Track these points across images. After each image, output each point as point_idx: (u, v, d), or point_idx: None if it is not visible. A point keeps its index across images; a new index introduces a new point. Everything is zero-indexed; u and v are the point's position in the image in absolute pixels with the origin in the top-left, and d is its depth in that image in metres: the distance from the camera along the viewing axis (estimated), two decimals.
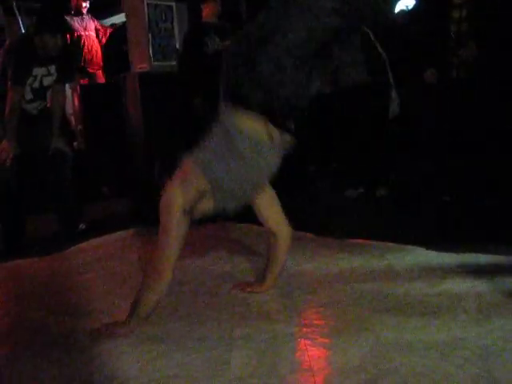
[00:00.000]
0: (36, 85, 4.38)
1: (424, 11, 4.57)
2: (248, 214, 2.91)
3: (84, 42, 6.70)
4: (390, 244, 3.66)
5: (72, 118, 6.61)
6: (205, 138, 2.60)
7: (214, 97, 5.16)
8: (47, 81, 4.43)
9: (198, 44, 5.28)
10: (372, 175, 4.89)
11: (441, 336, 2.29)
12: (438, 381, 1.94)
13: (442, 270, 3.12)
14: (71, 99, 6.67)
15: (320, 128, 5.51)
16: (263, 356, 2.23)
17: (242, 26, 5.30)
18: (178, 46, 5.83)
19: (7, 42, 4.65)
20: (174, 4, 5.22)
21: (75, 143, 6.37)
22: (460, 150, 4.25)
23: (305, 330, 2.48)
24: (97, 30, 6.85)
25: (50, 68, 4.40)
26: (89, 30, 6.78)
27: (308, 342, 2.35)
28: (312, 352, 2.26)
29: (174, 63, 5.18)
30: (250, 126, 2.52)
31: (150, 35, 5.03)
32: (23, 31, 6.11)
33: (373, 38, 4.73)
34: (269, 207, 2.92)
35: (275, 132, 2.60)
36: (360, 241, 3.83)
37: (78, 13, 6.68)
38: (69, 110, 6.59)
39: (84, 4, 6.72)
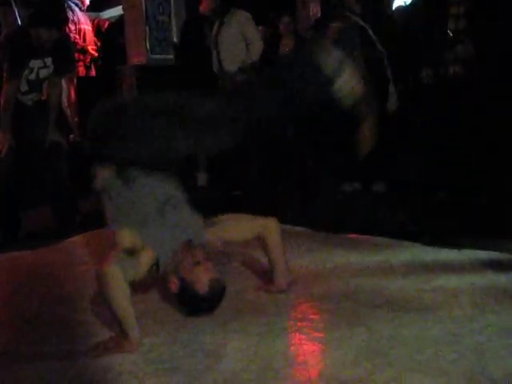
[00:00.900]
0: (32, 77, 4.36)
1: (422, 7, 4.56)
2: (247, 210, 2.91)
3: (85, 35, 6.69)
4: (386, 239, 3.66)
5: (68, 111, 6.58)
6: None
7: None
8: (43, 73, 4.41)
9: (198, 37, 5.27)
10: (369, 170, 4.88)
11: (435, 331, 2.29)
12: (433, 376, 1.94)
13: (438, 266, 3.13)
14: (67, 91, 6.64)
15: (317, 124, 5.52)
16: (257, 350, 2.23)
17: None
18: (175, 39, 5.82)
19: (2, 35, 4.63)
20: None
21: (71, 136, 6.34)
22: (455, 146, 4.25)
23: (299, 324, 2.47)
24: (93, 24, 6.83)
25: (46, 60, 4.38)
26: (86, 23, 6.76)
27: (302, 336, 2.35)
28: (306, 346, 2.26)
29: (171, 56, 5.16)
30: None
31: (147, 28, 5.02)
32: (19, 22, 6.08)
33: (371, 34, 4.75)
34: (239, 231, 2.90)
35: None
36: (356, 236, 3.84)
37: (82, 6, 6.69)
38: (65, 102, 6.56)
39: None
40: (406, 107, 4.74)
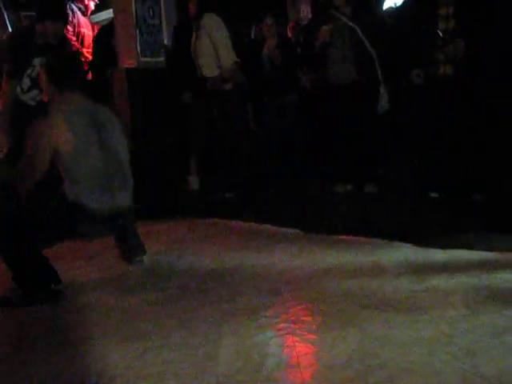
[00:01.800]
0: (34, 74, 4.33)
1: (412, 8, 4.56)
2: (240, 213, 2.91)
3: (84, 39, 6.67)
4: (378, 240, 3.67)
5: None
6: None
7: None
8: None
9: (187, 40, 5.26)
10: (360, 171, 4.88)
11: (428, 332, 2.29)
12: (426, 377, 1.94)
13: (430, 266, 3.13)
14: None
15: (310, 124, 5.53)
16: (251, 352, 2.22)
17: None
18: (166, 42, 5.81)
19: (5, 35, 4.62)
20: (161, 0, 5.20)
21: None
22: (446, 146, 4.26)
23: (292, 326, 2.47)
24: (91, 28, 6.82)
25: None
26: (87, 28, 6.75)
27: (296, 338, 2.35)
28: (300, 348, 2.26)
29: (161, 59, 5.15)
30: None
31: (137, 31, 5.01)
32: (9, 27, 6.06)
33: (361, 35, 4.76)
34: None
35: None
36: (348, 237, 3.84)
37: (85, 11, 6.69)
38: None
39: (90, 3, 6.72)
40: (398, 108, 4.75)
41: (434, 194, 4.41)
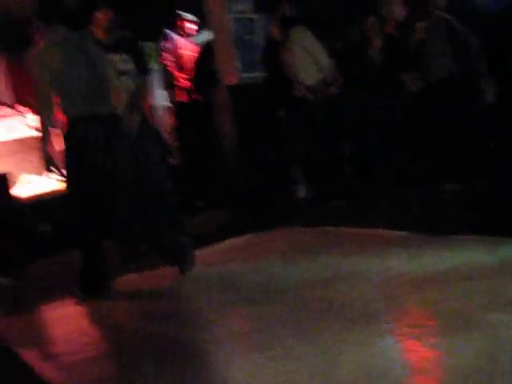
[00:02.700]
0: None
1: None
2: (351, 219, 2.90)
3: (181, 58, 6.93)
4: (502, 238, 3.46)
5: (167, 136, 6.81)
6: None
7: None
8: (123, 66, 4.52)
9: (279, 55, 5.35)
10: (469, 169, 4.71)
11: None
12: None
13: None
14: (165, 117, 6.89)
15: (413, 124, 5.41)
16: (374, 360, 2.20)
17: None
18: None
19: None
20: (255, 16, 5.29)
21: (171, 159, 6.56)
22: None
23: (414, 330, 2.42)
24: (194, 49, 7.07)
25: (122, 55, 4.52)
26: (186, 48, 7.01)
27: (418, 342, 2.30)
28: (423, 353, 2.22)
29: (259, 74, 5.23)
30: None
31: (235, 49, 5.12)
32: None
33: (459, 26, 4.62)
34: None
35: None
36: (466, 236, 3.68)
37: (183, 33, 6.96)
38: (164, 128, 6.80)
39: (188, 25, 6.98)
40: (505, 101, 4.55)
41: None
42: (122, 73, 4.49)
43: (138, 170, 4.49)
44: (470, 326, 2.35)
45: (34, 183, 7.80)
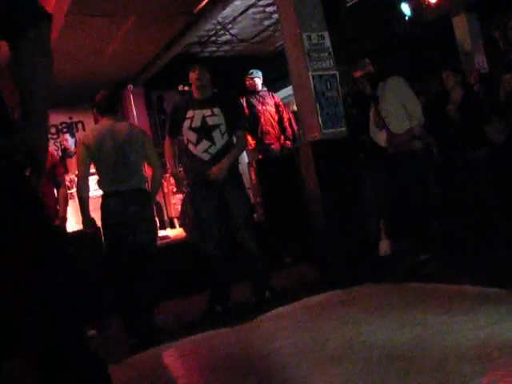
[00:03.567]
0: (197, 124, 4.74)
1: None
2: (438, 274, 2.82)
3: (260, 116, 7.13)
4: None
5: (250, 192, 6.92)
6: None
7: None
8: (212, 121, 4.73)
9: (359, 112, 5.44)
10: None
11: None
12: None
13: None
14: (248, 173, 7.03)
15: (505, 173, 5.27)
16: None
17: None
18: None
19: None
20: (337, 72, 5.37)
21: (255, 215, 6.64)
22: None
23: None
24: (277, 106, 7.29)
25: (213, 110, 4.75)
26: (266, 105, 7.22)
27: None
28: None
29: (343, 129, 5.27)
30: None
31: (317, 105, 5.19)
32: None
33: None
34: None
35: None
36: None
37: (254, 92, 7.20)
38: (246, 183, 6.93)
39: (256, 82, 7.23)
40: None
41: None
42: (212, 127, 4.67)
43: (222, 223, 4.67)
44: None
45: None
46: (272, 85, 8.65)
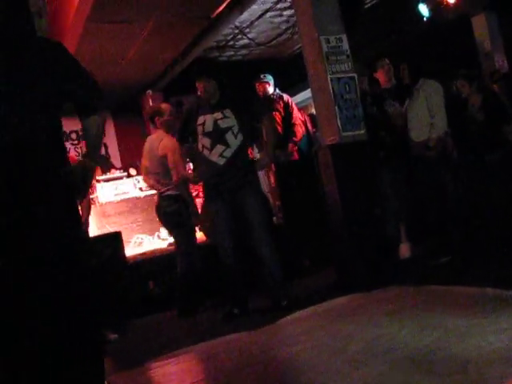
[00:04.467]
0: (209, 129, 4.77)
1: None
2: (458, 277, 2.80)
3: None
4: None
5: (269, 195, 6.93)
6: None
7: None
8: (224, 123, 4.76)
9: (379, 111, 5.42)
10: None
11: None
12: None
13: None
14: (267, 177, 7.03)
15: None
16: None
17: None
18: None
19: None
20: (355, 75, 5.35)
21: (274, 218, 6.65)
22: None
23: None
24: (286, 107, 7.22)
25: (224, 112, 4.78)
26: (272, 110, 7.20)
27: None
28: None
29: (362, 132, 5.25)
30: None
31: (336, 108, 5.18)
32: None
33: None
34: None
35: None
36: None
37: (264, 96, 7.20)
38: (265, 187, 6.94)
39: (266, 87, 7.22)
40: None
41: None
42: (224, 130, 4.70)
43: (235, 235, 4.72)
44: None
45: (144, 242, 8.16)
46: (290, 88, 8.63)
